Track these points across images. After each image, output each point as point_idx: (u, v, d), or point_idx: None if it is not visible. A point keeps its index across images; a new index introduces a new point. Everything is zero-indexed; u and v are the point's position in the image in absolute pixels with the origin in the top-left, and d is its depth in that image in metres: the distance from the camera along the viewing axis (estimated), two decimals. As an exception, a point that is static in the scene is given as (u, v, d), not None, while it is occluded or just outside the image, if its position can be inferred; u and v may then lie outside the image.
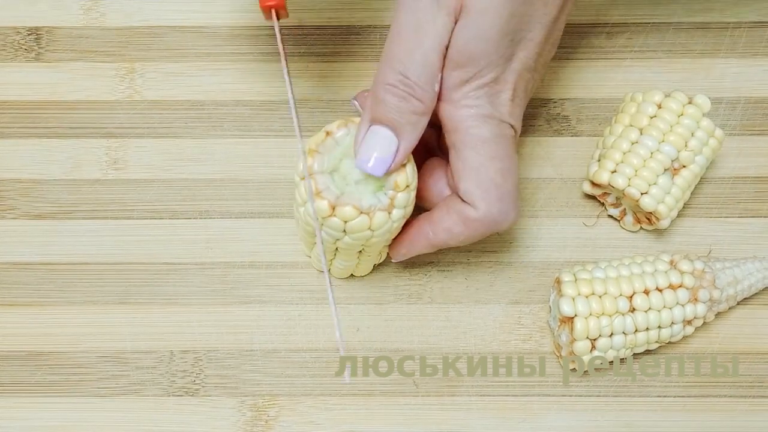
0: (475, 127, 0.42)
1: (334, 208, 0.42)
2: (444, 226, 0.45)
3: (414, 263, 0.53)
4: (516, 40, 0.42)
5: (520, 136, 0.55)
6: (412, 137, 0.42)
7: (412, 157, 0.44)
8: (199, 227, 0.54)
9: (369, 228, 0.43)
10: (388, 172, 0.42)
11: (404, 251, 0.48)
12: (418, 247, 0.47)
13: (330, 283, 0.45)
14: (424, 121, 0.42)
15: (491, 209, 0.43)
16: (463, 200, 0.44)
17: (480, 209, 0.43)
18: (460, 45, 0.40)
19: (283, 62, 0.44)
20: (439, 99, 0.42)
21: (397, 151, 0.42)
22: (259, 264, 0.53)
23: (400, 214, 0.43)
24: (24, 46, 0.57)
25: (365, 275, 0.53)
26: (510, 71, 0.42)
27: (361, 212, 0.42)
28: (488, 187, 0.43)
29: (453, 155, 0.43)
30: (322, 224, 0.43)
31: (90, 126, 0.56)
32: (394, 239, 0.48)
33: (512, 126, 0.44)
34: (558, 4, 0.43)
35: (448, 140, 0.43)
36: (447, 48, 0.41)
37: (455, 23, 0.40)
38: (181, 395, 0.51)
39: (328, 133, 0.44)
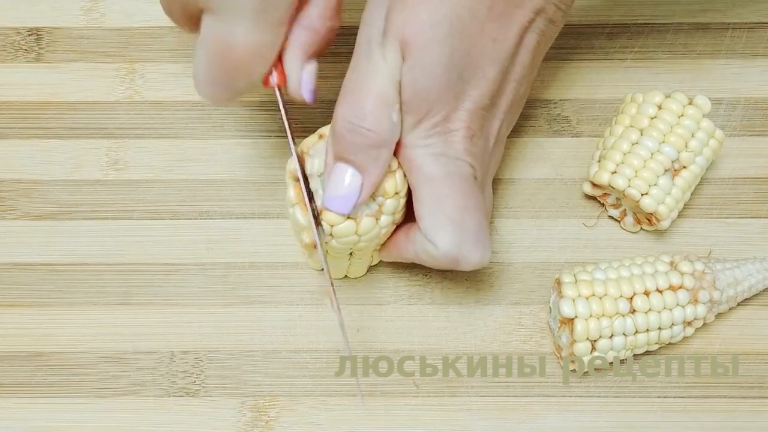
0: (427, 165, 0.41)
1: (320, 213, 0.42)
2: (415, 248, 0.44)
3: (415, 264, 0.53)
4: (465, 78, 0.40)
5: (520, 138, 0.55)
6: (375, 171, 0.41)
7: (401, 163, 0.43)
8: (200, 228, 0.54)
9: (355, 233, 0.43)
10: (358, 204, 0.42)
11: (394, 253, 0.47)
12: (403, 255, 0.46)
13: (332, 285, 0.45)
14: (385, 154, 0.41)
15: (450, 250, 0.42)
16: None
17: (440, 248, 0.42)
18: (408, 85, 0.40)
19: (289, 137, 0.43)
20: (397, 143, 0.42)
21: (362, 186, 0.41)
22: (260, 265, 0.53)
23: (388, 221, 0.43)
24: (24, 47, 0.57)
25: (361, 276, 0.53)
26: (462, 110, 0.41)
27: (348, 217, 0.42)
28: (444, 225, 0.41)
29: (414, 196, 0.42)
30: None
31: (90, 126, 0.56)
32: (387, 239, 0.47)
33: (471, 165, 0.42)
34: (511, 41, 0.41)
35: (409, 182, 0.43)
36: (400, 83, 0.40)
37: (403, 60, 0.40)
38: (182, 396, 0.51)
39: (320, 136, 0.44)
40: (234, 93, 0.41)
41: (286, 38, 0.40)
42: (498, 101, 0.43)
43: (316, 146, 0.43)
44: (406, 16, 0.39)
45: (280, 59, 0.41)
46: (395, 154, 0.42)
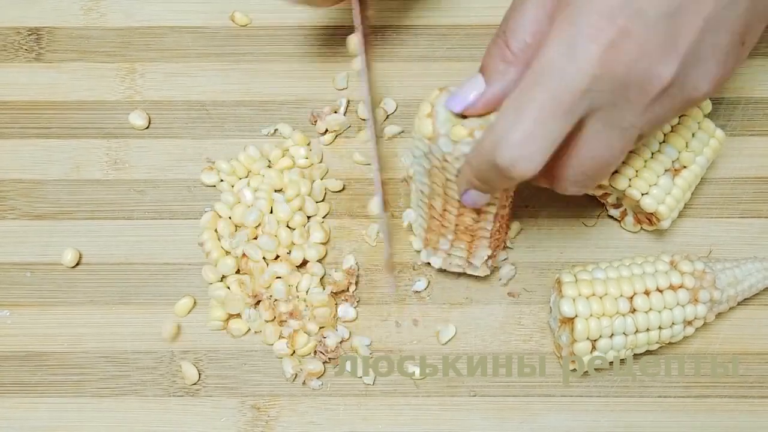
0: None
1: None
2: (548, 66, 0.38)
3: (414, 264, 0.53)
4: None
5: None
6: (497, 85, 0.41)
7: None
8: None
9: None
10: (471, 114, 0.42)
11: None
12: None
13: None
14: (512, 72, 0.41)
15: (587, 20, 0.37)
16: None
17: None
18: None
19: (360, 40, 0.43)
20: None
21: (481, 94, 0.41)
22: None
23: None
24: (24, 47, 0.57)
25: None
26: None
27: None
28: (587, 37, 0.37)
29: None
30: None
31: (90, 126, 0.56)
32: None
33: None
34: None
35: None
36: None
37: None
38: (182, 395, 0.51)
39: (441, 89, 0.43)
40: None
41: None
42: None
43: (439, 98, 0.43)
44: None
45: None
46: None
